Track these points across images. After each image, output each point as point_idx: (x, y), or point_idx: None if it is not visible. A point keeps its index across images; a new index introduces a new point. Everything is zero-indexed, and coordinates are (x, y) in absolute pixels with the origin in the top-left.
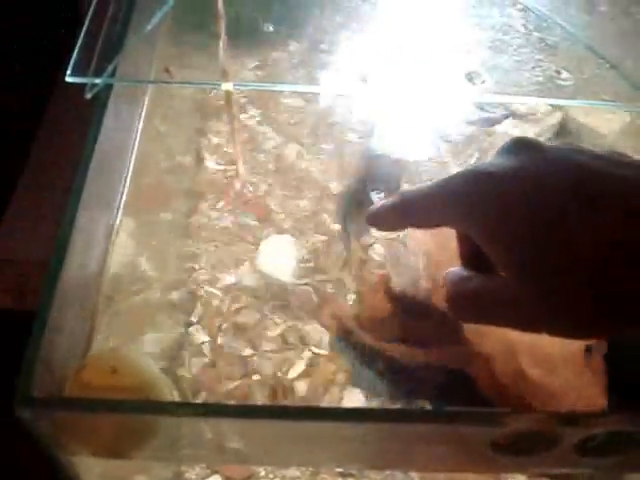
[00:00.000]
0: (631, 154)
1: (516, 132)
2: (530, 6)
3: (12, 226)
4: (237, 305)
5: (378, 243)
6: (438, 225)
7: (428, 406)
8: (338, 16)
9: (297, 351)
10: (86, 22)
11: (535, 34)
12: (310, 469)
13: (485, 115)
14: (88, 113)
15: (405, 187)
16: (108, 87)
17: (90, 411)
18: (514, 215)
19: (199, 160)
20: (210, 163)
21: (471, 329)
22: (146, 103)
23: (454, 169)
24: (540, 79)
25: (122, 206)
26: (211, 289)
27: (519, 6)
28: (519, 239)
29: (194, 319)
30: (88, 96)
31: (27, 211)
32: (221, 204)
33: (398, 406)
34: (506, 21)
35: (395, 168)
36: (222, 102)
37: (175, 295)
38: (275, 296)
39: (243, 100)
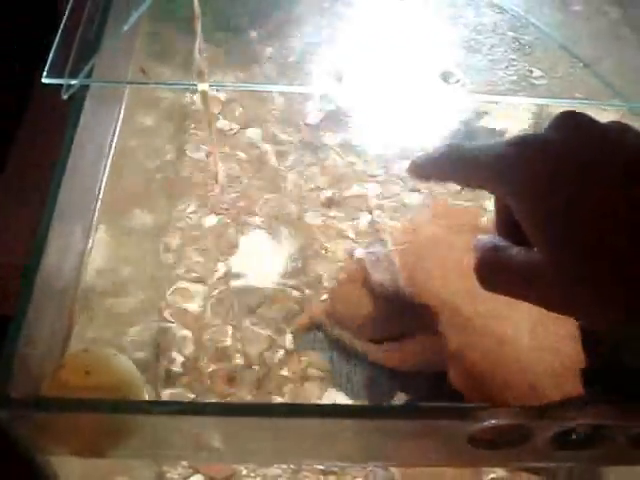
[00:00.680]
0: None
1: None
2: (504, 6)
3: None
4: (217, 306)
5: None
6: (480, 187)
7: (405, 401)
8: (314, 15)
9: (276, 344)
10: (63, 22)
11: (509, 34)
12: (291, 467)
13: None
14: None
15: None
16: (85, 88)
17: (67, 411)
18: (556, 192)
19: (177, 160)
20: (189, 163)
21: (447, 323)
22: (124, 103)
23: None
24: (514, 78)
25: (99, 207)
26: (189, 290)
27: (493, 6)
28: (558, 217)
29: (172, 319)
30: (65, 97)
31: (6, 214)
32: (200, 204)
33: (375, 402)
34: (480, 21)
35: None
36: (199, 102)
37: (153, 295)
38: (253, 297)
39: (223, 100)
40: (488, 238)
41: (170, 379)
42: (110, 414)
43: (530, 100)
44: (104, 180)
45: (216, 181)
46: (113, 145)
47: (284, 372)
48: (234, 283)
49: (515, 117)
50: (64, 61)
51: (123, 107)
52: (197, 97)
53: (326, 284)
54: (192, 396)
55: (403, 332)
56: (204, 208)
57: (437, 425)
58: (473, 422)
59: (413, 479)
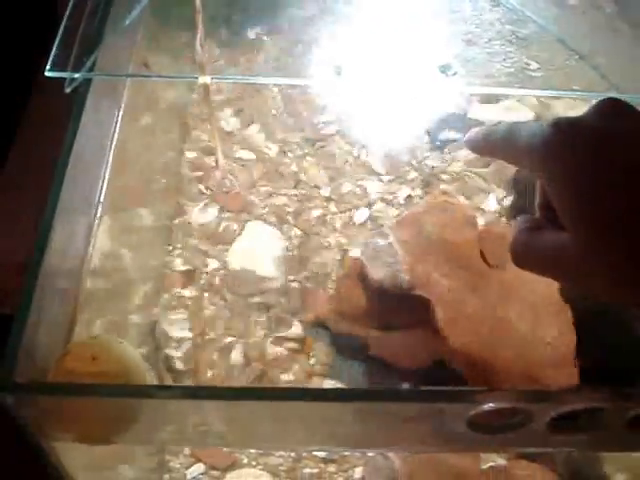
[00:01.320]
0: None
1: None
2: (502, 0)
3: None
4: (217, 298)
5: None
6: (525, 168)
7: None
8: (313, 10)
9: (277, 337)
10: (65, 16)
11: (507, 27)
12: (292, 455)
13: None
14: (69, 109)
15: None
16: (87, 81)
17: (71, 395)
18: (593, 179)
19: (179, 154)
20: (191, 157)
21: (445, 315)
22: (125, 97)
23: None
24: (511, 70)
25: (102, 200)
26: (190, 283)
27: (491, 0)
28: (592, 202)
29: (174, 311)
30: (67, 90)
31: (5, 212)
32: (202, 197)
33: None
34: (478, 14)
35: None
36: (200, 96)
37: (155, 287)
38: (254, 290)
39: (225, 93)
40: (527, 217)
41: (171, 373)
42: (115, 398)
43: (527, 92)
44: (107, 173)
45: (218, 172)
46: (115, 138)
47: (285, 366)
48: (234, 276)
49: (515, 109)
50: (67, 55)
51: (125, 100)
52: (197, 91)
53: (326, 278)
54: None
55: (403, 325)
56: (205, 201)
57: (437, 408)
58: (472, 405)
59: (412, 467)
